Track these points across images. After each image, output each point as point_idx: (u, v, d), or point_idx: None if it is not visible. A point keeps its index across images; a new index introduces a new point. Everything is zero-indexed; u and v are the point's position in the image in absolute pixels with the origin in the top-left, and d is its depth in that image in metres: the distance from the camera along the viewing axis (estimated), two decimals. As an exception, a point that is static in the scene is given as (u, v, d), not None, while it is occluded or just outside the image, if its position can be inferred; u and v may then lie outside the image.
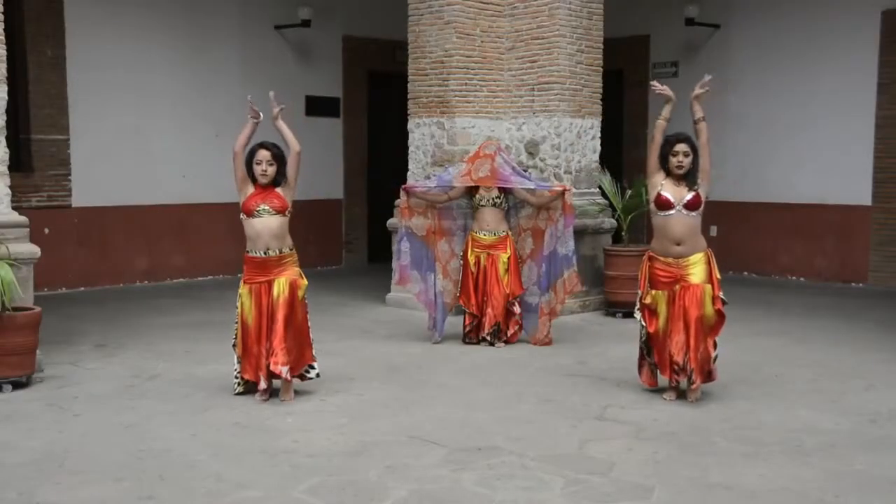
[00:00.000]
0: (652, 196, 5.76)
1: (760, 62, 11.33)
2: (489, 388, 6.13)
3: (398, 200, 7.72)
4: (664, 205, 5.67)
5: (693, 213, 5.67)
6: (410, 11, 9.14)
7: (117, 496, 4.14)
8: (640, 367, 5.99)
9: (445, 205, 7.66)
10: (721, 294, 5.67)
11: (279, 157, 5.74)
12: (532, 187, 7.50)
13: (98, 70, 10.22)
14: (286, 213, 5.75)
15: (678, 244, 5.67)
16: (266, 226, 5.68)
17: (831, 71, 10.77)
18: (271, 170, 5.72)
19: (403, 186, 7.72)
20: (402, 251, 7.54)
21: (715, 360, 5.75)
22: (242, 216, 5.76)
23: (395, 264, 7.87)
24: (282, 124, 5.88)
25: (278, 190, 5.76)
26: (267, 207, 5.69)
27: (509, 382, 6.27)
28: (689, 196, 5.65)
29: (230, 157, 5.85)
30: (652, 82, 6.11)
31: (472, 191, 7.52)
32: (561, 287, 7.39)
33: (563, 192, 7.35)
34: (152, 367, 6.62)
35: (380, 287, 9.75)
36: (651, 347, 5.86)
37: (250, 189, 5.76)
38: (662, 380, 5.90)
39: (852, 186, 10.70)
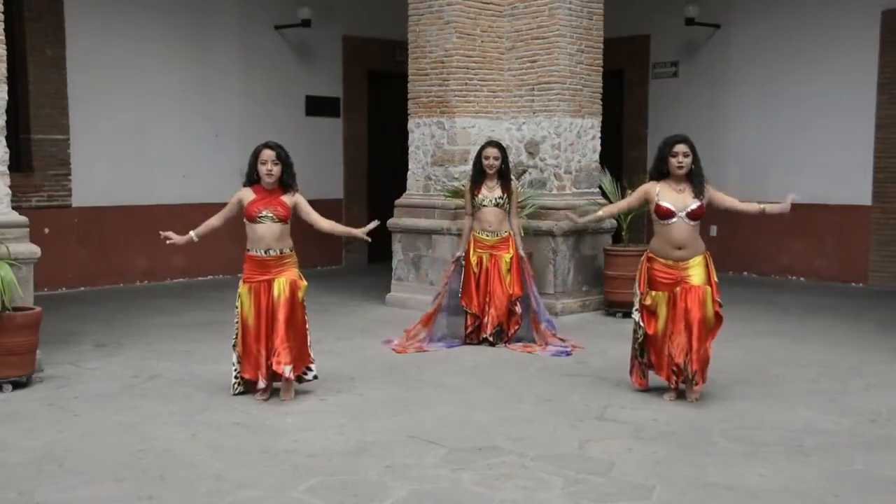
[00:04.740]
0: (651, 208, 5.77)
1: (760, 62, 11.33)
2: (489, 388, 6.13)
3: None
4: (665, 214, 5.66)
5: (695, 222, 5.68)
6: (410, 11, 9.14)
7: (117, 496, 4.14)
8: (632, 367, 5.99)
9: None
10: (718, 298, 5.68)
11: (283, 159, 5.74)
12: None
13: (98, 70, 10.23)
14: (288, 221, 5.77)
15: (680, 248, 5.67)
16: (268, 230, 5.70)
17: (831, 71, 10.76)
18: (276, 169, 5.72)
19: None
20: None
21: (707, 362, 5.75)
22: (245, 220, 5.77)
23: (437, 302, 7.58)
24: (348, 231, 6.07)
25: (283, 198, 5.76)
26: (270, 214, 5.70)
27: (509, 382, 6.27)
28: (694, 206, 5.65)
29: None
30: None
31: (473, 190, 7.50)
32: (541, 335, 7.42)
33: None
34: (152, 367, 6.62)
35: (380, 287, 9.76)
36: (646, 348, 5.85)
37: (251, 196, 5.76)
38: (654, 380, 5.91)
39: (852, 186, 10.69)
